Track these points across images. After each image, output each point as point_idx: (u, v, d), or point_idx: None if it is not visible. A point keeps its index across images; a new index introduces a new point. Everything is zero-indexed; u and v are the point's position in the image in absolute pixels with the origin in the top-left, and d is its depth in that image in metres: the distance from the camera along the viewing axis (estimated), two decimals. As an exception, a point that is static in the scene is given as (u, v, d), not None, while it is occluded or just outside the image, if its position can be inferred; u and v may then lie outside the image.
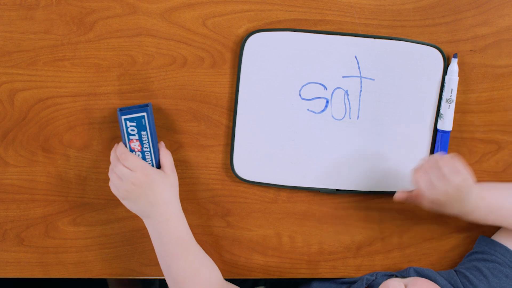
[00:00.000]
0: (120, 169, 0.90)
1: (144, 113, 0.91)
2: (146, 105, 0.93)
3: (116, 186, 0.91)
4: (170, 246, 0.92)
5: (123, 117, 0.91)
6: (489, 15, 0.96)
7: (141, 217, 0.93)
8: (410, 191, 0.95)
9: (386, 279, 0.97)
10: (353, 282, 1.02)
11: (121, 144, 0.91)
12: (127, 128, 0.91)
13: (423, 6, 0.95)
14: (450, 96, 0.95)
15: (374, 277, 1.00)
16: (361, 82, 0.96)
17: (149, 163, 0.93)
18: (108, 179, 0.98)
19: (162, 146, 0.94)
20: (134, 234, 1.01)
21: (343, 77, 0.96)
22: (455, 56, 0.95)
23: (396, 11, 0.95)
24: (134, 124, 0.91)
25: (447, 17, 0.96)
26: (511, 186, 0.99)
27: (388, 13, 0.95)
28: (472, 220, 0.97)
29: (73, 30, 0.93)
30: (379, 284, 0.97)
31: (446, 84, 0.96)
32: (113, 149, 0.92)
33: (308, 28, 0.95)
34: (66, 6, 0.92)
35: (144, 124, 0.91)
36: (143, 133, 0.92)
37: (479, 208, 0.94)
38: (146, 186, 0.90)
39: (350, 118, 0.97)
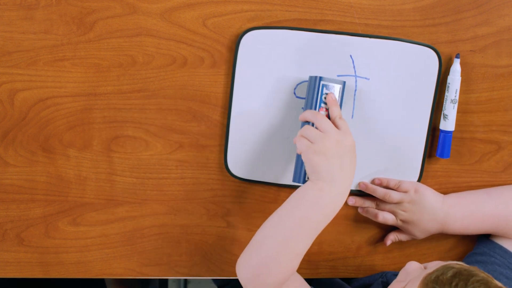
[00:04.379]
0: (326, 125, 0.87)
1: (341, 85, 0.91)
2: (344, 81, 0.93)
3: (314, 138, 0.86)
4: (319, 218, 0.86)
5: (322, 82, 0.90)
6: (489, 15, 0.96)
7: (313, 176, 0.87)
8: (395, 233, 1.02)
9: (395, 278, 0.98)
10: (365, 285, 1.02)
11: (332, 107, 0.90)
12: (321, 95, 0.91)
13: (423, 6, 0.95)
14: (455, 97, 0.95)
15: (385, 278, 1.00)
16: (356, 81, 0.96)
17: None
18: (108, 179, 0.99)
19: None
20: (134, 234, 1.01)
21: (338, 76, 0.96)
22: (457, 56, 0.95)
23: (396, 11, 0.95)
24: (328, 92, 0.91)
25: (447, 17, 0.96)
26: (479, 191, 1.01)
27: (388, 13, 0.95)
28: (456, 231, 0.99)
29: (73, 30, 0.93)
30: (388, 283, 0.97)
31: (450, 85, 0.95)
32: (306, 111, 0.90)
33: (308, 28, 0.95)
34: (66, 6, 0.92)
35: (338, 95, 0.91)
36: None
37: (454, 216, 0.98)
38: (348, 150, 0.87)
39: (344, 117, 0.97)
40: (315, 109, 0.91)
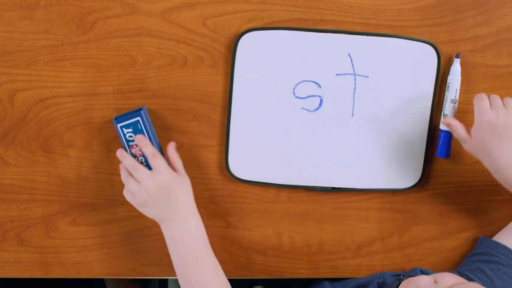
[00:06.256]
0: (140, 174, 0.89)
1: (138, 118, 0.91)
2: (140, 109, 0.93)
3: (134, 192, 0.89)
4: (190, 247, 0.91)
5: (118, 125, 0.91)
6: (489, 15, 0.96)
7: (159, 222, 0.92)
8: (462, 126, 0.93)
9: (394, 279, 0.97)
10: (361, 285, 1.02)
11: (127, 156, 0.91)
12: (124, 135, 0.91)
13: (423, 6, 0.95)
14: (455, 97, 0.95)
15: (382, 279, 1.00)
16: (355, 79, 0.96)
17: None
18: (108, 179, 0.99)
19: (171, 148, 0.93)
20: (134, 234, 1.01)
21: (337, 74, 0.96)
22: (457, 56, 0.95)
23: (396, 11, 0.95)
24: (130, 130, 0.91)
25: (447, 17, 0.96)
26: None
27: (388, 13, 0.95)
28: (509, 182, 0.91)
29: (73, 30, 0.93)
30: (388, 284, 0.97)
31: (450, 85, 0.95)
32: (121, 156, 0.91)
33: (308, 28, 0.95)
34: (66, 6, 0.92)
35: (140, 128, 0.92)
36: None
37: None
38: (168, 189, 0.89)
39: (344, 116, 0.97)
40: (126, 149, 0.92)
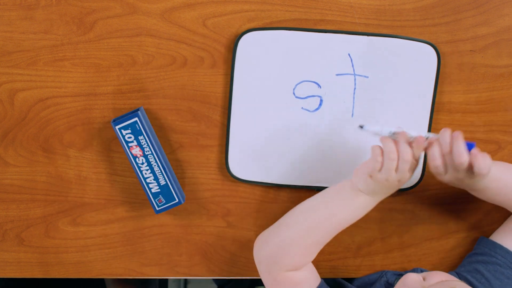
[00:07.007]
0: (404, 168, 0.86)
1: (136, 118, 0.91)
2: (137, 110, 0.93)
3: (386, 171, 0.86)
4: (352, 217, 0.91)
5: (117, 127, 0.91)
6: (489, 15, 0.96)
7: (360, 189, 0.90)
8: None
9: (396, 278, 0.97)
10: (366, 284, 1.02)
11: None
12: (123, 136, 0.92)
13: (423, 6, 0.95)
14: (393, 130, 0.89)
15: (385, 278, 1.00)
16: (355, 79, 0.96)
17: (155, 165, 0.93)
18: (108, 179, 0.99)
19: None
20: (134, 234, 1.01)
21: (337, 75, 0.96)
22: (361, 127, 0.90)
23: (396, 11, 0.95)
24: (129, 131, 0.91)
25: (447, 17, 0.96)
26: None
27: (388, 13, 0.95)
28: (481, 197, 0.93)
29: (73, 30, 0.93)
30: (391, 284, 0.97)
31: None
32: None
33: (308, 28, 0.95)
34: (66, 6, 0.92)
35: (138, 128, 0.92)
36: (140, 137, 0.92)
37: (490, 189, 0.91)
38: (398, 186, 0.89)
39: (344, 116, 0.97)
40: (126, 150, 0.92)
